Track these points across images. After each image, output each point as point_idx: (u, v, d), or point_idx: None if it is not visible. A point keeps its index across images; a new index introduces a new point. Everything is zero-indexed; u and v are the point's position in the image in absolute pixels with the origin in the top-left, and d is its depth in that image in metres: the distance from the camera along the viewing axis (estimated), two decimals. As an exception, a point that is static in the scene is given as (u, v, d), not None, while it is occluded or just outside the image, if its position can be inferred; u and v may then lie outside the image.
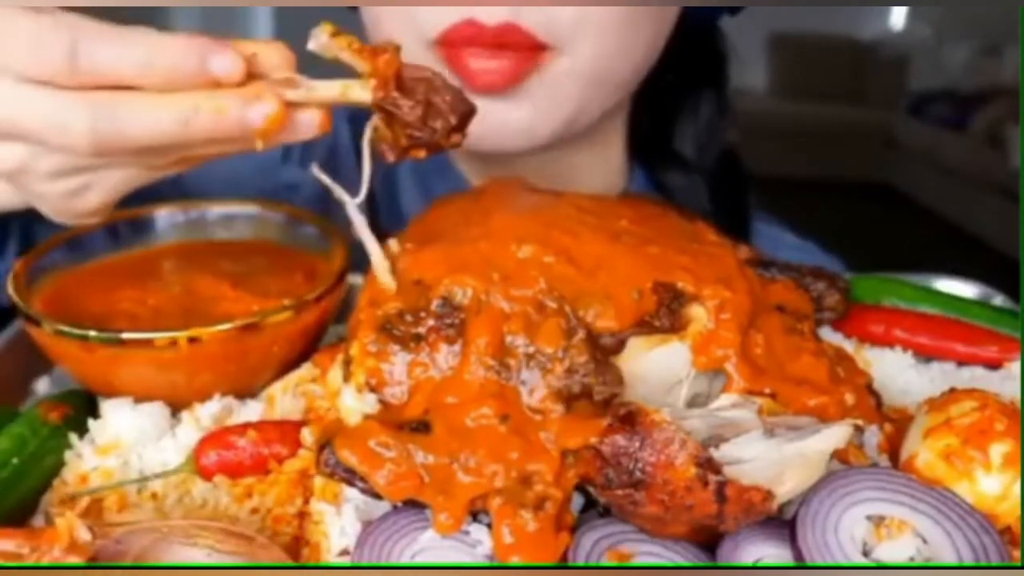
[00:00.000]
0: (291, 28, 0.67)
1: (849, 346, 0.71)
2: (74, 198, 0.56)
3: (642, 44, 0.79)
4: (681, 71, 0.91)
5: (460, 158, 0.95)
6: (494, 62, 0.69)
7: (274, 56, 0.53)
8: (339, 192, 0.59)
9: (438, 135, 0.55)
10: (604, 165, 0.96)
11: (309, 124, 0.54)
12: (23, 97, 0.50)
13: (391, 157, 0.57)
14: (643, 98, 0.90)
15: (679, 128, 0.98)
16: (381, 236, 0.85)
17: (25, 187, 0.56)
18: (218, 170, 0.68)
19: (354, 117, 1.03)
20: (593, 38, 0.73)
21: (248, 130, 0.51)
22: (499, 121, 0.76)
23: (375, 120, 0.56)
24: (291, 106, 0.53)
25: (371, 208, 0.94)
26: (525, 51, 0.70)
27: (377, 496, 0.52)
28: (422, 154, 0.57)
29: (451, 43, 0.71)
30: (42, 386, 0.73)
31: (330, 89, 0.54)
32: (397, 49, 0.54)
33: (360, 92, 0.54)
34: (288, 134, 0.54)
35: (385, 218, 0.97)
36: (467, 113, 0.56)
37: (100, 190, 0.56)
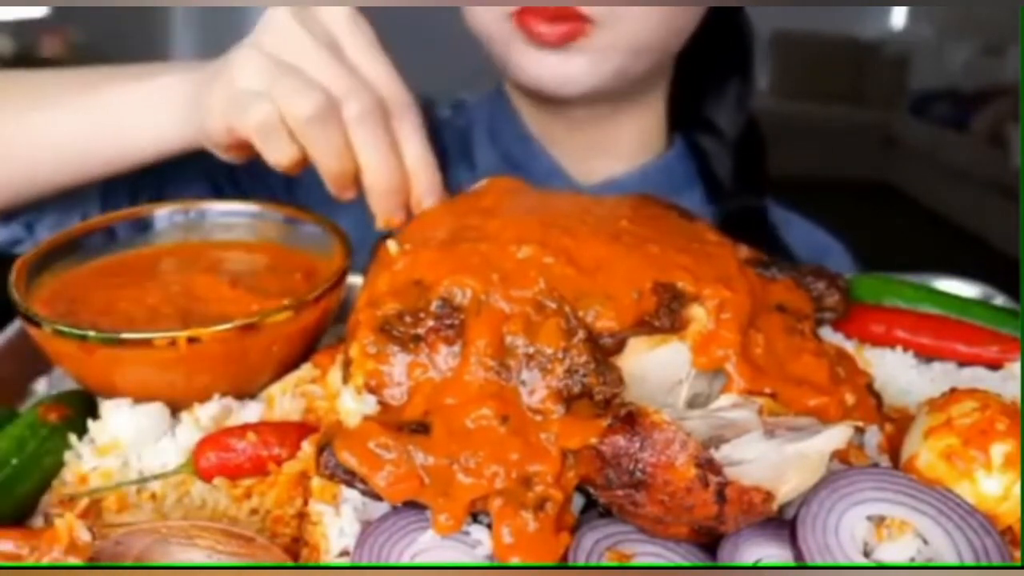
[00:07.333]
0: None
1: (850, 346, 0.71)
2: None
3: (677, 22, 0.96)
4: (713, 46, 1.06)
5: (524, 109, 1.08)
6: (553, 25, 0.90)
7: None
8: None
9: None
10: (646, 128, 1.09)
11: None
12: None
13: None
14: (680, 71, 1.06)
15: (712, 99, 1.12)
16: (453, 190, 0.86)
17: None
18: None
19: None
20: (631, 22, 0.91)
21: None
22: (556, 70, 0.93)
23: None
24: None
25: (443, 162, 0.98)
26: (577, 21, 0.90)
27: (377, 497, 0.52)
28: None
29: (524, 11, 0.91)
30: (41, 386, 0.73)
31: None
32: None
33: None
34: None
35: (456, 170, 1.04)
36: None
37: None
